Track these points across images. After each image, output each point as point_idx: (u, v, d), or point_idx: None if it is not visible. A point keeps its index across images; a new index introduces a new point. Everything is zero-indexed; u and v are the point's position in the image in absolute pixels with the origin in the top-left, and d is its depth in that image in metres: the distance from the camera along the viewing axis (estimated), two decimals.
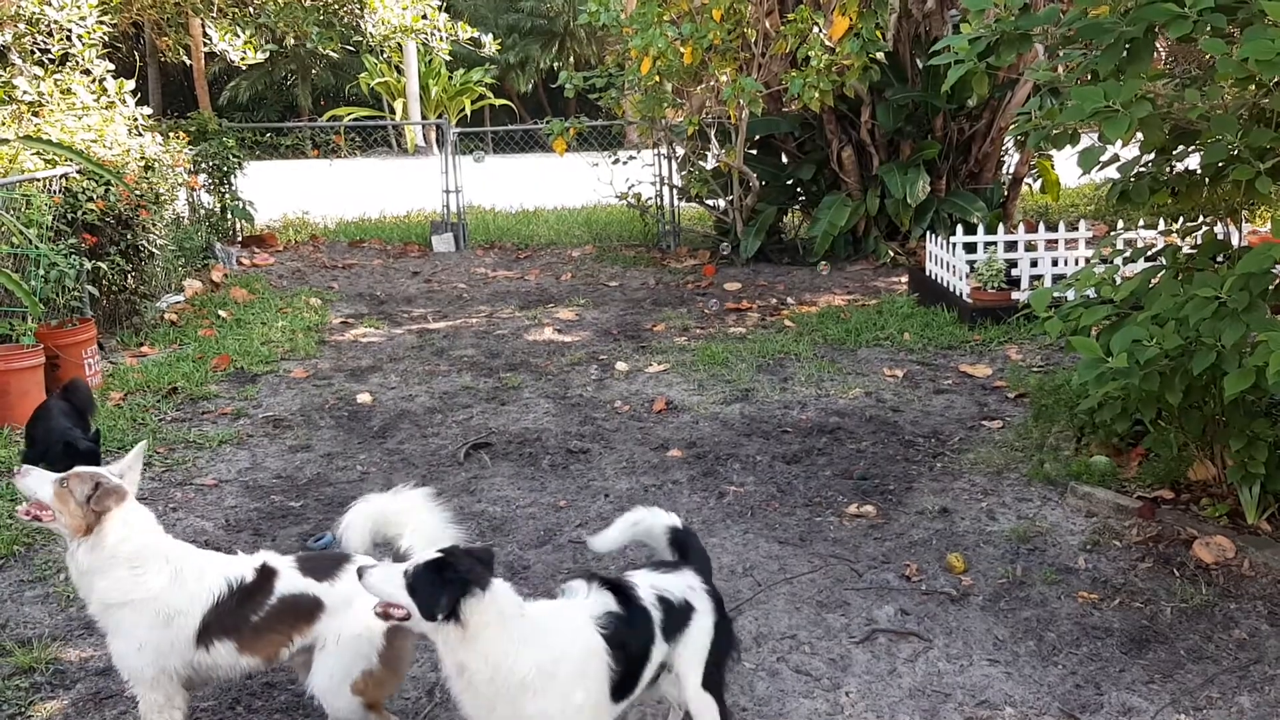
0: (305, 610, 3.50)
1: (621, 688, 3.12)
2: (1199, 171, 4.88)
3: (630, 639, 3.12)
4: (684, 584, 3.34)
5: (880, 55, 11.46)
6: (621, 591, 3.19)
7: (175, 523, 5.64)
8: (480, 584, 2.90)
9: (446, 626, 2.90)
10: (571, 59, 38.64)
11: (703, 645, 3.32)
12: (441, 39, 16.72)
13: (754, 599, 4.66)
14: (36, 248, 7.59)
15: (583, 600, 3.16)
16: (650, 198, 14.48)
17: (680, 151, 13.86)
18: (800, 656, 4.21)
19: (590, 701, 3.03)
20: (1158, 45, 4.56)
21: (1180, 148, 4.87)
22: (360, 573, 3.06)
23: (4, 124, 9.46)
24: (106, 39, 11.92)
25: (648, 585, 3.26)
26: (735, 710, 3.86)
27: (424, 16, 15.99)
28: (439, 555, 2.94)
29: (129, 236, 9.22)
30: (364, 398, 7.77)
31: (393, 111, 35.06)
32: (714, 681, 3.36)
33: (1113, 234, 9.44)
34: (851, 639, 4.34)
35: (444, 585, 2.88)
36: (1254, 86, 4.04)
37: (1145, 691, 3.91)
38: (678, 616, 3.27)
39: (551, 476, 6.17)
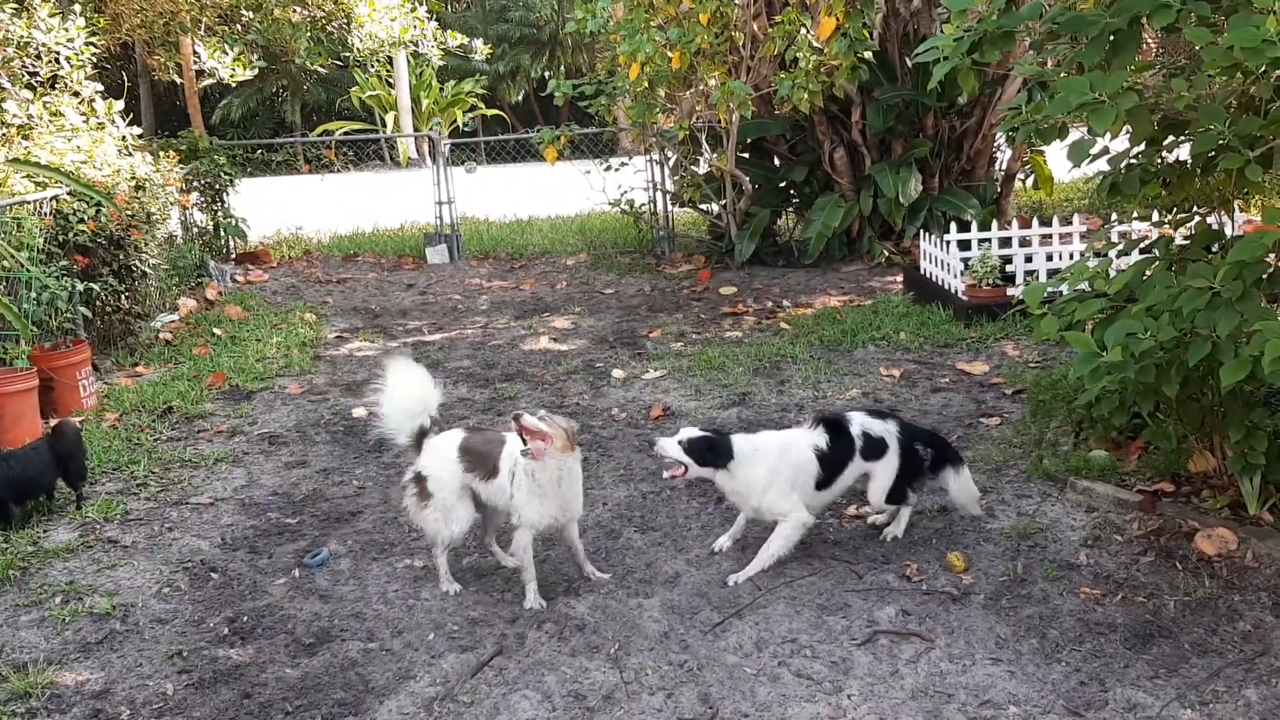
0: None
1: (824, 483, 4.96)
2: (1189, 162, 4.86)
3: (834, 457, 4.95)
4: (883, 428, 5.07)
5: (868, 54, 11.42)
6: (834, 425, 5.01)
7: (171, 542, 5.61)
8: (733, 450, 4.80)
9: (719, 472, 4.81)
10: (561, 67, 38.63)
11: (891, 469, 5.05)
12: (432, 46, 16.74)
13: (754, 603, 4.63)
14: (28, 270, 7.57)
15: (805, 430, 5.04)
16: (643, 204, 14.47)
17: (672, 157, 13.84)
18: (801, 660, 4.18)
19: (799, 492, 4.87)
20: (1145, 37, 4.53)
21: (1170, 138, 4.85)
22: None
23: None
24: (95, 60, 11.90)
25: (858, 424, 5.05)
26: (736, 717, 3.83)
27: (413, 27, 16.00)
28: (704, 434, 4.81)
29: (121, 257, 9.20)
30: (359, 412, 7.74)
31: (384, 125, 35.05)
32: (896, 497, 5.13)
33: (1106, 227, 9.42)
34: (853, 641, 4.31)
35: (715, 452, 4.76)
36: (1240, 75, 4.02)
37: (1150, 687, 3.87)
38: (876, 446, 5.02)
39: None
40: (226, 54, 14.79)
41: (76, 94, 10.99)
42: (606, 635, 4.45)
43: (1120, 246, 5.49)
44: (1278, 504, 5.00)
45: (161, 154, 11.82)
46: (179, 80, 18.66)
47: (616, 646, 4.36)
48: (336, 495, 6.23)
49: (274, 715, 4.01)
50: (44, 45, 11.15)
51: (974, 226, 10.41)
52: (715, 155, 12.82)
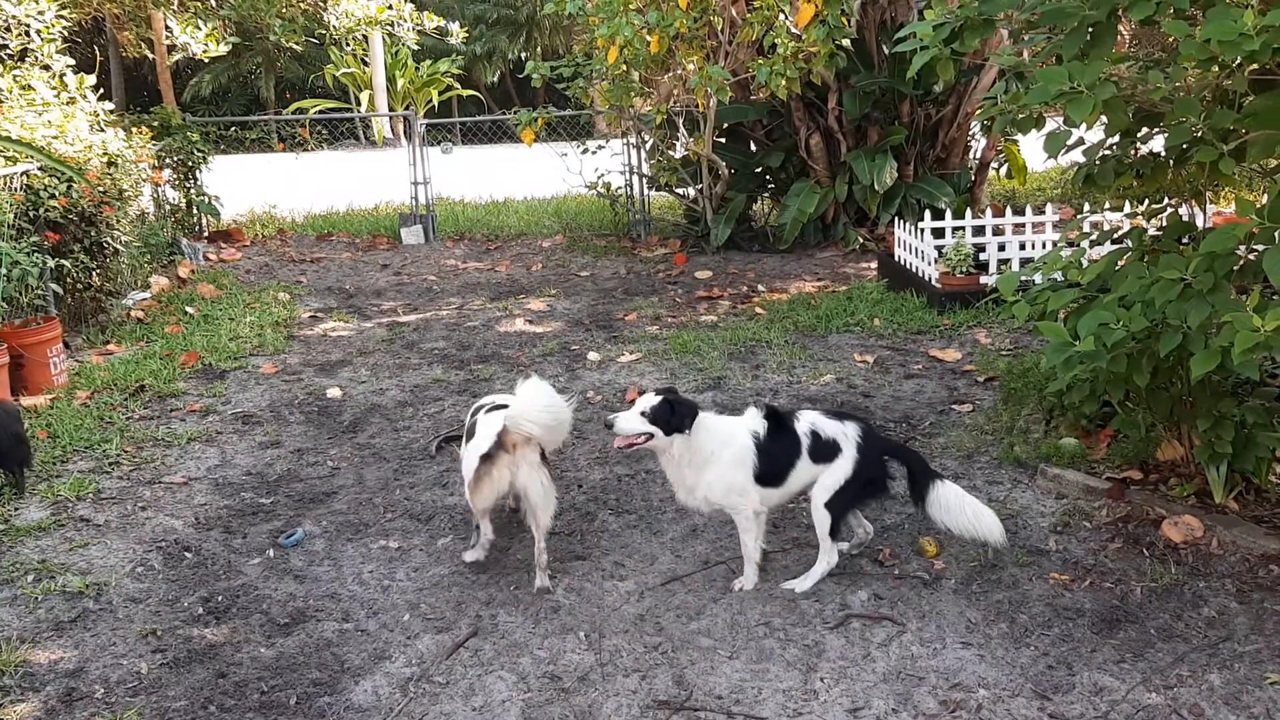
0: None
1: (768, 479, 4.59)
2: (1163, 154, 4.91)
3: (771, 447, 4.58)
4: (840, 429, 4.64)
5: (846, 42, 11.44)
6: (777, 417, 4.66)
7: (144, 521, 5.59)
8: (698, 409, 4.57)
9: (678, 436, 4.49)
10: (538, 49, 38.42)
11: (837, 477, 4.58)
12: (408, 29, 16.62)
13: (728, 587, 4.67)
14: None
15: (751, 418, 4.67)
16: (620, 187, 14.45)
17: (649, 140, 13.82)
18: (774, 643, 4.22)
19: (736, 480, 4.55)
20: (1120, 29, 4.57)
21: (1144, 130, 4.90)
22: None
23: None
24: (66, 34, 11.76)
25: (807, 421, 4.65)
26: (710, 699, 3.87)
27: (389, 7, 15.87)
28: (663, 398, 4.51)
29: (93, 233, 9.11)
30: (334, 392, 7.72)
31: (359, 104, 34.76)
32: (837, 508, 4.62)
33: (1079, 217, 9.50)
34: (825, 624, 4.35)
35: (682, 412, 4.49)
36: (1216, 68, 4.06)
37: (1116, 671, 3.94)
38: (825, 449, 4.60)
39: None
40: (200, 29, 14.62)
41: (47, 68, 10.86)
42: (582, 617, 4.48)
43: (1093, 237, 5.54)
44: (1243, 492, 5.09)
45: (134, 130, 11.70)
46: (150, 55, 18.46)
47: (591, 628, 4.38)
48: (311, 476, 6.21)
49: (249, 695, 4.01)
50: (14, 18, 11.00)
51: (948, 214, 10.46)
52: (692, 140, 12.81)
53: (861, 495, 4.66)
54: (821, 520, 4.61)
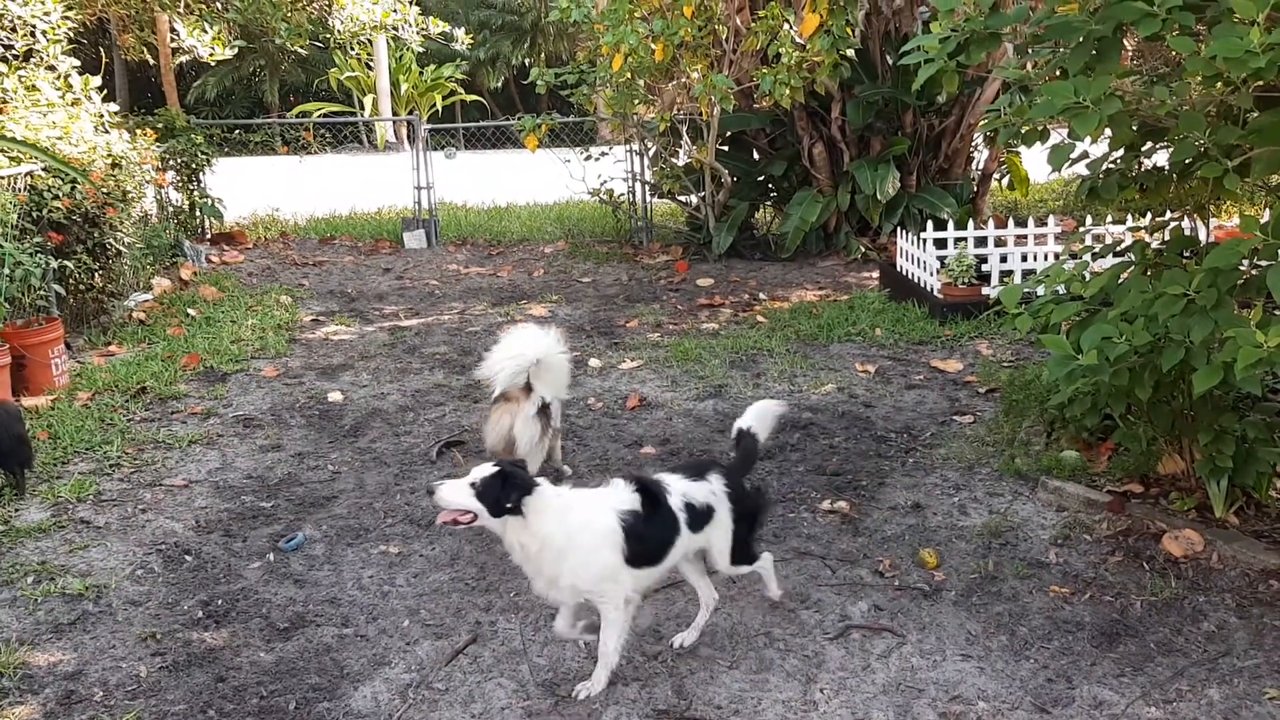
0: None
1: (641, 560, 3.99)
2: (1167, 168, 4.92)
3: (645, 529, 3.97)
4: (708, 490, 4.17)
5: (850, 52, 11.46)
6: (650, 494, 4.05)
7: (145, 524, 5.59)
8: (532, 486, 3.86)
9: (511, 518, 3.83)
10: (542, 55, 38.46)
11: (726, 535, 4.22)
12: (414, 33, 16.65)
13: (728, 596, 4.67)
14: (1, 246, 7.49)
15: (617, 494, 4.05)
16: (622, 194, 14.47)
17: (652, 148, 13.84)
18: (774, 653, 4.22)
19: (607, 564, 3.92)
20: (1125, 43, 4.58)
21: (1148, 144, 4.91)
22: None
23: None
24: (72, 35, 11.77)
25: (679, 493, 4.11)
26: (710, 709, 3.87)
27: (394, 11, 15.90)
28: (498, 469, 3.84)
29: (96, 235, 9.12)
30: (335, 396, 7.73)
31: (363, 107, 34.80)
32: (742, 556, 4.31)
33: (1081, 230, 9.51)
34: (825, 635, 4.35)
35: (510, 489, 3.79)
36: (1221, 84, 4.07)
37: (1116, 685, 3.94)
38: (701, 516, 4.13)
39: None
40: (206, 32, 14.64)
41: (52, 68, 10.87)
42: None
43: (1096, 250, 5.54)
44: (1244, 507, 5.09)
45: (138, 132, 11.71)
46: (153, 59, 18.50)
47: (590, 637, 4.38)
48: (311, 480, 6.21)
49: (248, 699, 4.01)
50: (19, 18, 11.00)
51: (950, 225, 10.48)
52: (695, 147, 12.83)
53: (751, 528, 4.35)
54: (741, 571, 4.42)
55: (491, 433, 5.52)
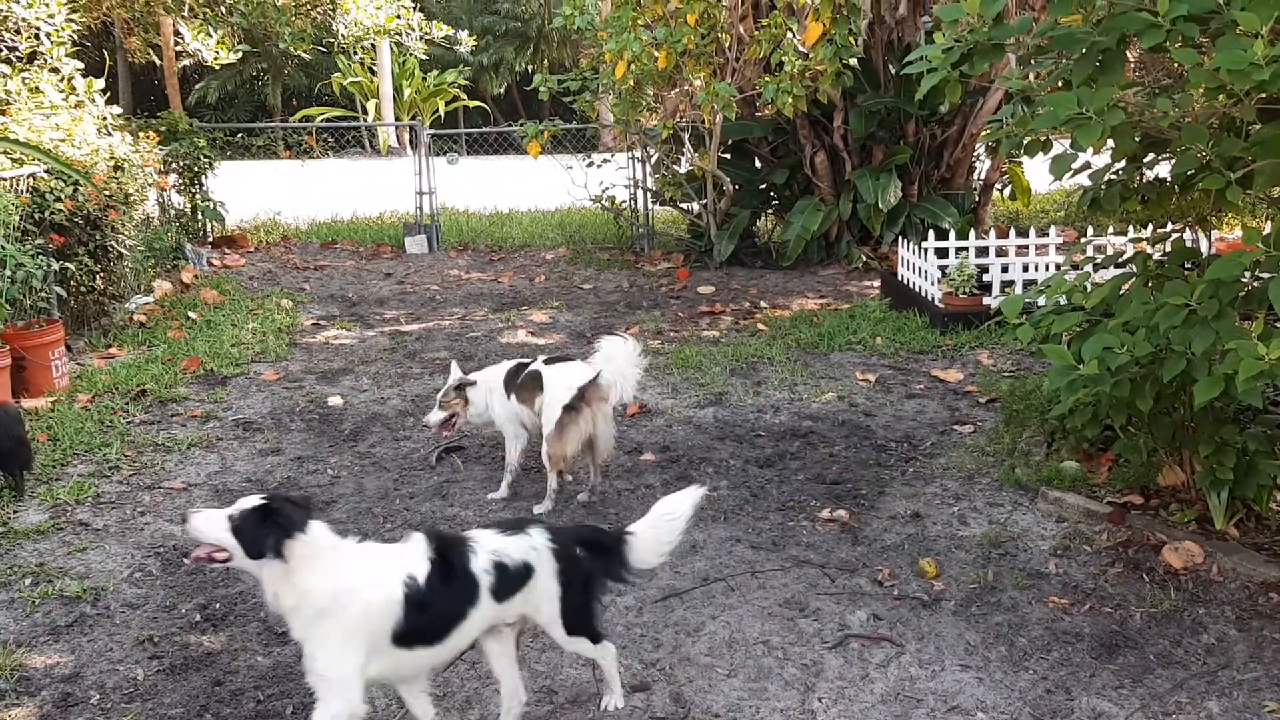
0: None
1: (417, 637, 3.35)
2: (1169, 180, 4.92)
3: (434, 598, 3.33)
4: (527, 545, 3.56)
5: (853, 61, 11.49)
6: (447, 554, 3.42)
7: (143, 526, 5.58)
8: (300, 526, 3.21)
9: (270, 562, 3.19)
10: (545, 62, 38.53)
11: (553, 599, 3.59)
12: (417, 38, 16.68)
13: (727, 604, 4.66)
14: (3, 248, 7.49)
15: (408, 551, 3.42)
16: (624, 201, 14.48)
17: (654, 155, 13.86)
18: (772, 661, 4.21)
19: (370, 639, 3.26)
20: (1128, 54, 4.59)
21: (1150, 156, 4.91)
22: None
23: None
24: (75, 37, 11.79)
25: (487, 551, 3.47)
26: (708, 717, 3.86)
27: (398, 16, 15.93)
28: (264, 501, 3.24)
29: (97, 237, 9.12)
30: (335, 400, 7.72)
31: (365, 112, 34.86)
32: (580, 624, 3.67)
33: (1083, 240, 9.51)
34: (824, 644, 4.34)
35: (272, 527, 3.18)
36: (1224, 96, 4.08)
37: (1115, 696, 3.93)
38: (513, 580, 3.49)
39: (524, 480, 6.14)
40: (210, 36, 14.66)
41: (56, 71, 10.88)
42: None
43: (1098, 261, 5.55)
44: (1244, 519, 5.09)
45: (141, 135, 11.72)
46: (158, 61, 18.53)
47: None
48: (310, 484, 6.21)
49: (245, 703, 4.00)
50: (23, 20, 11.02)
51: (952, 235, 10.49)
52: (697, 155, 12.84)
53: (589, 594, 3.71)
54: (579, 646, 3.74)
55: (574, 436, 5.58)
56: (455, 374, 6.10)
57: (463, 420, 6.05)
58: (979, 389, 7.59)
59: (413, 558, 3.37)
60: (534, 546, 3.55)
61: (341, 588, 3.23)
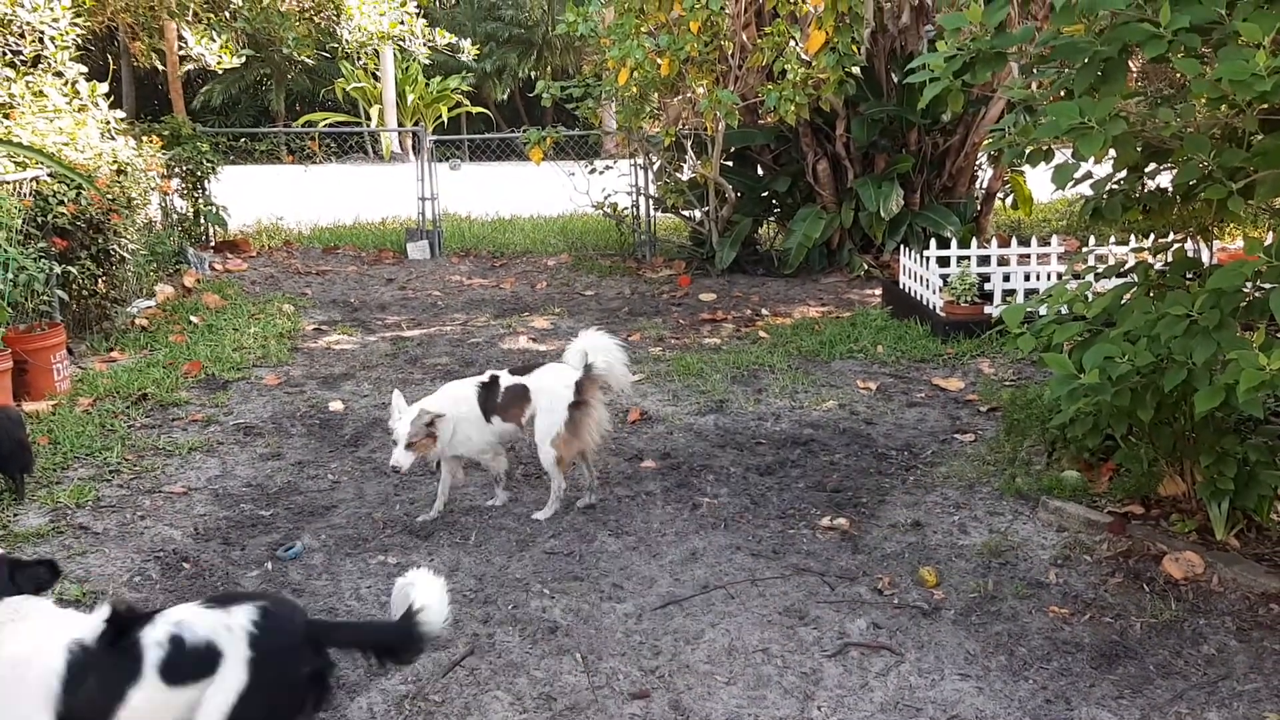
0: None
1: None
2: (1171, 190, 4.93)
3: (91, 673, 2.94)
4: (220, 624, 3.05)
5: (855, 69, 11.51)
6: (120, 623, 3.03)
7: (143, 530, 5.58)
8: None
9: None
10: (548, 68, 38.59)
11: (227, 695, 3.00)
12: (420, 44, 16.71)
13: (727, 611, 4.66)
14: (5, 251, 7.50)
15: (82, 618, 3.08)
16: (626, 208, 14.49)
17: (656, 162, 13.87)
18: (772, 669, 4.21)
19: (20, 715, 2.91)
20: (1130, 64, 4.59)
21: (1152, 166, 4.92)
22: None
23: None
24: (79, 41, 11.81)
25: (169, 622, 3.04)
26: None
27: (401, 22, 15.97)
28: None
29: (100, 241, 9.13)
30: (336, 405, 7.72)
31: (368, 118, 34.91)
32: None
33: (1084, 249, 9.52)
34: (824, 652, 4.33)
35: None
36: (1226, 106, 4.08)
37: (1115, 707, 3.92)
38: (191, 661, 3.00)
39: (525, 487, 6.14)
40: (214, 40, 14.69)
41: (60, 74, 10.90)
42: (579, 638, 4.47)
43: (1099, 270, 5.55)
44: (1245, 530, 5.08)
45: (144, 139, 11.74)
46: (162, 66, 18.56)
47: (589, 650, 4.37)
48: (311, 489, 6.21)
49: None
50: (28, 24, 11.05)
51: (953, 243, 10.49)
52: (700, 162, 12.86)
53: (293, 708, 3.16)
54: None
55: (595, 428, 5.70)
56: (406, 406, 5.51)
57: (433, 453, 5.57)
58: (980, 398, 7.59)
59: (88, 627, 3.02)
60: (229, 627, 3.03)
61: (11, 657, 2.93)
